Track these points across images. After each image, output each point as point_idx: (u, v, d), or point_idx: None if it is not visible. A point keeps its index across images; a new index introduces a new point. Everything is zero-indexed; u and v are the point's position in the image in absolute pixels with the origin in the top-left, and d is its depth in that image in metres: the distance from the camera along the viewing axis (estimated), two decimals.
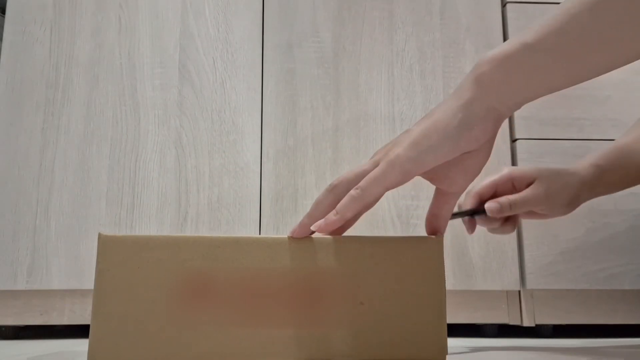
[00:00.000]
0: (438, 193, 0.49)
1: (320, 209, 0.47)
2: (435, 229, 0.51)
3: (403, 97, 0.97)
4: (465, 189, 0.48)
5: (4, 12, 1.01)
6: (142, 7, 0.97)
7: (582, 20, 0.38)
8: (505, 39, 0.99)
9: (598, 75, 0.41)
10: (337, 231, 0.48)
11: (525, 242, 0.92)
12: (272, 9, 0.99)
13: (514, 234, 0.93)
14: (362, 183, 0.44)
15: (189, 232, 0.90)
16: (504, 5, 1.01)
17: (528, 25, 1.01)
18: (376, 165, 0.45)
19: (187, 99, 0.95)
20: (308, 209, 0.92)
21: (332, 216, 0.45)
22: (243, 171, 0.93)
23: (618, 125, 0.95)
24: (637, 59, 0.39)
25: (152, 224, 0.91)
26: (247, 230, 0.91)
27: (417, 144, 0.42)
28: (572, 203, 0.63)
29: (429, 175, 0.46)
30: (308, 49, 0.98)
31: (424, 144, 0.42)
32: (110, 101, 0.94)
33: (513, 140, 0.96)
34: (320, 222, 0.46)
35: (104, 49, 0.96)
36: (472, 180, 0.46)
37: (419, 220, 0.92)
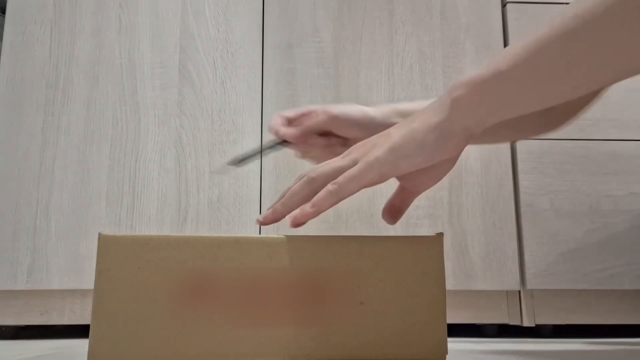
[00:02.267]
0: (402, 189, 0.52)
1: (296, 199, 0.48)
2: (393, 219, 0.53)
3: (403, 97, 0.97)
4: (428, 189, 0.50)
5: (4, 12, 1.01)
6: (142, 7, 0.97)
7: (552, 52, 0.40)
8: (505, 39, 0.99)
9: (569, 99, 0.43)
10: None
11: (526, 242, 0.92)
12: (272, 9, 0.99)
13: (514, 234, 0.93)
14: (340, 179, 0.46)
15: (189, 232, 0.90)
16: (504, 5, 1.01)
17: (528, 25, 1.01)
18: (353, 162, 0.47)
19: (187, 99, 0.95)
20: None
21: (308, 208, 0.47)
22: (243, 171, 0.93)
23: (618, 125, 0.95)
24: (605, 86, 0.42)
25: (152, 224, 0.91)
26: (247, 230, 0.91)
27: (395, 150, 0.45)
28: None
29: (398, 176, 0.49)
30: (308, 49, 0.98)
31: (401, 151, 0.45)
32: (111, 101, 0.94)
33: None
34: (296, 212, 0.47)
35: (104, 49, 0.96)
36: (436, 183, 0.49)
37: (419, 220, 0.92)
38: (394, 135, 0.46)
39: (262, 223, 0.49)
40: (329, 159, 0.52)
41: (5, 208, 0.89)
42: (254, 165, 0.93)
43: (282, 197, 0.49)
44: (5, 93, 0.93)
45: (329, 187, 0.46)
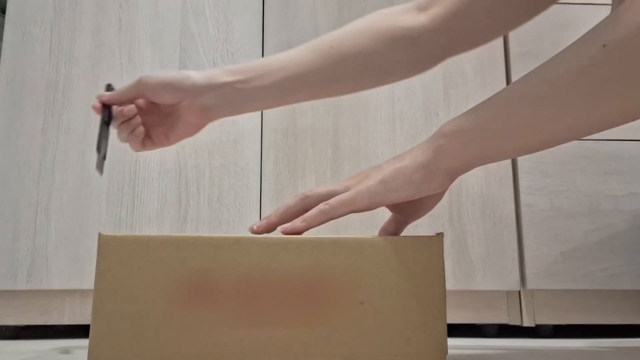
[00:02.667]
0: (394, 218, 0.57)
1: (289, 213, 0.53)
2: None
3: (403, 97, 0.97)
4: (417, 219, 0.56)
5: (4, 12, 1.01)
6: (142, 7, 0.97)
7: (523, 113, 0.46)
8: (505, 39, 0.99)
9: (545, 149, 0.49)
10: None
11: (526, 242, 0.92)
12: (272, 9, 0.99)
13: (514, 234, 0.93)
14: (332, 201, 0.51)
15: (189, 232, 0.90)
16: None
17: (528, 25, 1.02)
18: (346, 189, 0.52)
19: None
20: None
21: (298, 222, 0.51)
22: (243, 171, 0.93)
23: None
24: (578, 138, 0.48)
25: (152, 224, 0.91)
26: (247, 230, 0.91)
27: (386, 182, 0.50)
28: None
29: (390, 206, 0.54)
30: None
31: (390, 185, 0.50)
32: None
33: None
34: (287, 225, 0.51)
35: (104, 49, 0.96)
36: (425, 214, 0.55)
37: (419, 221, 0.92)
38: (385, 169, 0.51)
39: (256, 232, 0.53)
40: (156, 142, 0.61)
41: (5, 208, 0.89)
42: (254, 165, 0.93)
43: (277, 209, 0.54)
44: (5, 93, 0.93)
45: (321, 206, 0.51)
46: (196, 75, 0.60)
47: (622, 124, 0.45)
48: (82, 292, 0.89)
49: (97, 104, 0.61)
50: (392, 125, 0.96)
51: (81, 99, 0.94)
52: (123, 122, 0.61)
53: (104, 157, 0.61)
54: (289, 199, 0.53)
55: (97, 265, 0.46)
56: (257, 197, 0.93)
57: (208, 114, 0.61)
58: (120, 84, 0.94)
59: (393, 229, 0.56)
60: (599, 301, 0.93)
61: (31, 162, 0.91)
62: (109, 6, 0.97)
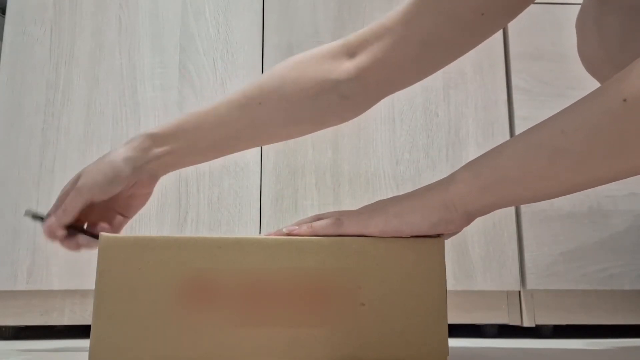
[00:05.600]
0: None
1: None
2: None
3: (403, 97, 0.97)
4: None
5: (4, 12, 1.01)
6: (142, 7, 0.97)
7: (541, 163, 0.46)
8: (505, 39, 0.99)
9: (559, 197, 0.49)
10: None
11: (526, 243, 0.92)
12: (272, 9, 0.99)
13: (514, 234, 0.93)
14: (345, 218, 0.51)
15: (189, 232, 0.90)
16: None
17: (528, 25, 1.01)
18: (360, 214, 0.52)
19: (188, 100, 0.95)
20: (308, 210, 0.93)
21: (306, 228, 0.51)
22: (243, 171, 0.93)
23: None
24: (599, 185, 0.47)
25: (152, 224, 0.91)
26: (247, 230, 0.91)
27: (402, 215, 0.50)
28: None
29: None
30: (308, 50, 0.97)
31: (406, 219, 0.50)
32: (111, 102, 0.94)
33: None
34: (293, 227, 0.51)
35: (104, 49, 0.96)
36: None
37: None
38: (403, 203, 0.51)
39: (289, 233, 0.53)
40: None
41: (5, 208, 0.89)
42: (254, 165, 0.93)
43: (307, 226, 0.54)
44: (5, 93, 0.93)
45: (334, 220, 0.51)
46: (124, 163, 0.60)
47: None
48: (82, 293, 0.89)
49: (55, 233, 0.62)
50: (392, 125, 0.96)
51: (81, 99, 0.94)
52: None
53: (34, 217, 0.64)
54: (303, 219, 0.54)
55: (97, 266, 0.46)
56: (257, 197, 0.93)
57: (154, 181, 0.64)
58: (120, 84, 0.94)
59: None
60: (599, 301, 0.93)
61: (31, 162, 0.91)
62: (109, 6, 0.97)
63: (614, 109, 0.41)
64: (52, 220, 0.60)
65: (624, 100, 0.41)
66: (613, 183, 0.95)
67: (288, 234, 0.50)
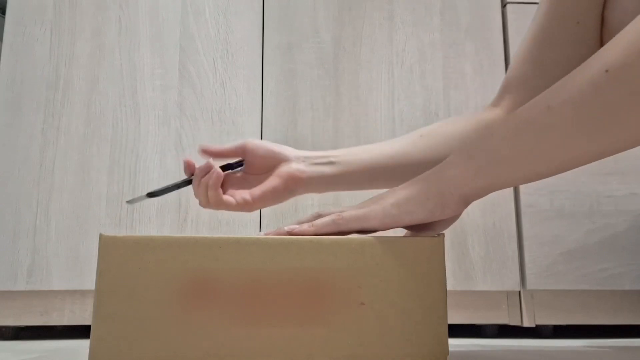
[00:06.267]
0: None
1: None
2: None
3: (403, 97, 0.97)
4: None
5: (4, 12, 1.01)
6: (142, 7, 0.97)
7: (529, 140, 0.46)
8: (505, 39, 0.99)
9: (552, 175, 0.49)
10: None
11: (526, 243, 0.92)
12: (272, 9, 0.99)
13: (514, 234, 0.93)
14: (346, 215, 0.51)
15: (189, 232, 0.90)
16: (504, 6, 1.01)
17: (527, 25, 1.02)
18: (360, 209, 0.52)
19: (187, 100, 0.95)
20: (308, 210, 0.93)
21: (307, 227, 0.51)
22: None
23: None
24: (590, 163, 0.47)
25: (152, 224, 0.91)
26: (247, 230, 0.91)
27: (400, 205, 0.50)
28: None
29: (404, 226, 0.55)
30: (308, 50, 0.98)
31: (404, 208, 0.50)
32: (111, 102, 0.94)
33: None
34: (294, 226, 0.51)
35: (104, 50, 0.96)
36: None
37: None
38: (399, 192, 0.52)
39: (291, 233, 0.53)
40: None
41: (6, 209, 0.89)
42: None
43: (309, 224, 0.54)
44: (5, 93, 0.93)
45: (334, 217, 0.51)
46: (292, 151, 0.63)
47: (632, 147, 0.45)
48: (82, 293, 0.89)
49: (190, 160, 0.63)
50: (392, 125, 0.96)
51: (81, 99, 0.94)
52: (204, 177, 0.62)
53: (151, 196, 0.62)
54: (303, 217, 0.54)
55: (97, 266, 0.46)
56: None
57: (294, 183, 0.62)
58: (120, 84, 0.94)
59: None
60: (599, 301, 0.93)
61: (31, 162, 0.91)
62: (109, 6, 0.97)
63: (597, 80, 0.41)
64: (213, 147, 0.62)
65: (606, 70, 0.41)
66: (613, 183, 0.95)
67: (289, 233, 0.50)
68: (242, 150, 0.62)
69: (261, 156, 0.62)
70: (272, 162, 0.62)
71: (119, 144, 0.93)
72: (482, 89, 0.98)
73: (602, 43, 0.62)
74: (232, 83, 0.96)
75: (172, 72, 0.96)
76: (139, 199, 0.62)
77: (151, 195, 0.62)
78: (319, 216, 0.53)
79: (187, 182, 0.63)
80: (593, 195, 0.93)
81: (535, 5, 0.99)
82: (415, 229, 0.54)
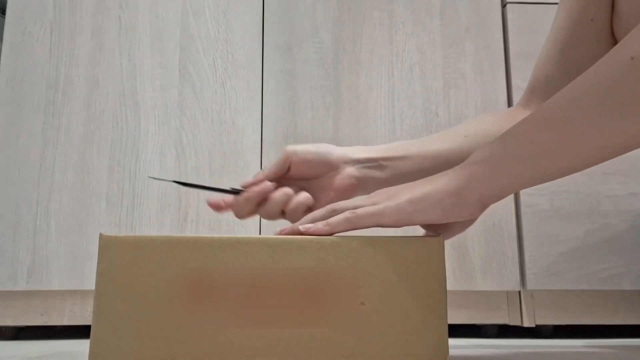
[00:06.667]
0: (426, 234, 0.56)
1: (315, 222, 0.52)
2: None
3: (403, 97, 0.97)
4: (446, 240, 0.55)
5: (4, 12, 1.01)
6: (142, 7, 0.97)
7: (552, 135, 0.45)
8: (505, 39, 0.99)
9: (575, 172, 0.48)
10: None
11: (526, 243, 0.92)
12: (272, 9, 0.99)
13: (514, 234, 0.93)
14: (359, 211, 0.50)
15: (189, 232, 0.90)
16: (504, 6, 1.01)
17: (528, 25, 1.01)
18: (373, 204, 0.51)
19: (187, 100, 0.95)
20: None
21: (321, 226, 0.49)
22: (243, 171, 0.93)
23: None
24: (614, 157, 0.46)
25: (152, 224, 0.91)
26: (247, 230, 0.91)
27: (414, 203, 0.49)
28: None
29: (423, 225, 0.54)
30: (308, 50, 0.98)
31: (419, 205, 0.49)
32: (111, 102, 0.94)
33: None
34: (310, 225, 0.50)
35: (104, 50, 0.96)
36: (453, 236, 0.55)
37: None
38: (416, 189, 0.50)
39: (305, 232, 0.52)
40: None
41: (6, 209, 0.89)
42: (254, 165, 0.93)
43: (303, 219, 0.52)
44: (6, 93, 0.93)
45: (348, 214, 0.50)
46: (338, 152, 0.61)
47: None
48: (82, 293, 0.89)
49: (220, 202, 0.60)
50: (392, 125, 0.96)
51: (81, 99, 0.94)
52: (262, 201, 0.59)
53: (178, 183, 0.60)
54: (317, 211, 0.52)
55: (97, 266, 0.46)
56: None
57: (349, 194, 0.61)
58: (120, 84, 0.94)
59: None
60: (599, 301, 0.93)
61: (31, 162, 0.91)
62: (109, 6, 0.97)
63: (622, 68, 0.41)
64: (261, 174, 0.59)
65: (632, 58, 0.40)
66: (613, 183, 0.95)
67: (304, 233, 0.49)
68: (288, 164, 0.60)
69: (307, 165, 0.60)
70: (321, 169, 0.60)
71: (119, 144, 0.93)
72: (482, 89, 0.98)
73: (614, 37, 0.62)
74: (232, 83, 0.96)
75: (172, 72, 0.96)
76: (163, 179, 0.60)
77: (179, 183, 0.61)
78: (333, 211, 0.51)
79: (231, 192, 0.60)
80: (593, 195, 0.93)
81: (535, 5, 1.00)
82: (431, 228, 0.53)
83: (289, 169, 0.60)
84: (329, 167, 0.60)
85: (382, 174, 0.61)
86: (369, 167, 0.61)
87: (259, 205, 0.58)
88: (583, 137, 0.44)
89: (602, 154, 0.45)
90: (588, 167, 0.46)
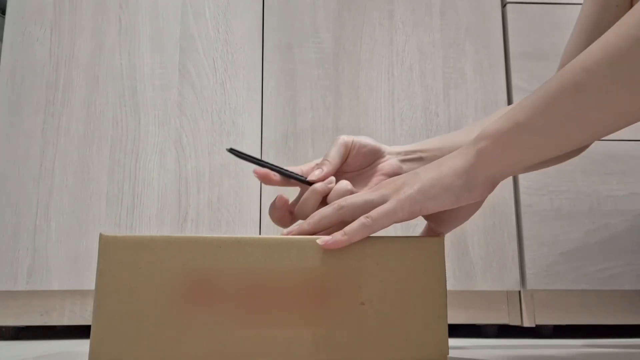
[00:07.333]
0: (429, 229, 0.55)
1: (324, 223, 0.50)
2: None
3: (403, 97, 0.97)
4: (451, 230, 0.54)
5: (4, 12, 1.01)
6: (142, 7, 0.97)
7: (564, 103, 0.44)
8: (505, 39, 0.99)
9: (586, 144, 0.47)
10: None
11: (526, 243, 0.92)
12: (272, 9, 0.99)
13: (514, 234, 0.93)
14: (373, 214, 0.48)
15: (189, 232, 0.90)
16: (504, 6, 1.01)
17: (528, 25, 1.01)
18: (382, 197, 0.49)
19: (187, 100, 0.95)
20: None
21: (339, 236, 0.48)
22: (243, 171, 0.93)
23: None
24: (626, 126, 0.45)
25: (152, 224, 0.91)
26: (247, 230, 0.91)
27: (425, 191, 0.48)
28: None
29: (426, 215, 0.53)
30: (308, 50, 0.98)
31: (430, 193, 0.48)
32: (111, 102, 0.94)
33: None
34: (328, 238, 0.48)
35: (104, 50, 0.96)
36: (461, 224, 0.54)
37: (419, 221, 0.92)
38: (423, 176, 0.49)
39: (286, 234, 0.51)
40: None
41: (6, 208, 0.89)
42: (254, 166, 0.93)
43: (311, 217, 0.51)
44: (5, 93, 0.93)
45: (363, 219, 0.48)
46: (384, 145, 0.62)
47: None
48: (82, 293, 0.89)
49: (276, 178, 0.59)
50: (392, 125, 0.96)
51: (81, 99, 0.94)
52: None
53: (248, 159, 0.59)
54: (324, 208, 0.51)
55: (97, 266, 0.46)
56: (257, 197, 0.93)
57: (397, 172, 0.60)
58: (120, 84, 0.94)
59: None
60: (599, 301, 0.93)
61: (31, 163, 0.91)
62: (109, 6, 0.97)
63: (635, 33, 0.40)
64: (326, 168, 0.58)
65: None
66: (613, 183, 0.95)
67: (323, 246, 0.47)
68: (347, 153, 0.60)
69: (364, 154, 0.60)
70: (372, 157, 0.61)
71: (119, 144, 0.93)
72: (482, 88, 0.98)
73: None
74: (232, 83, 0.96)
75: (172, 72, 0.96)
76: (241, 154, 0.58)
77: (254, 161, 0.59)
78: (341, 208, 0.50)
79: (303, 181, 0.59)
80: (593, 195, 0.93)
81: (535, 5, 1.00)
82: (438, 219, 0.52)
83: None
84: (379, 155, 0.61)
85: (421, 165, 0.61)
86: (409, 159, 0.61)
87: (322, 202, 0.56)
88: (595, 105, 0.43)
89: (617, 121, 0.44)
90: (601, 136, 0.46)
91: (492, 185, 0.49)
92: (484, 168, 0.48)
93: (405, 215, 0.48)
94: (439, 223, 0.53)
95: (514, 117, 0.47)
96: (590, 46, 0.44)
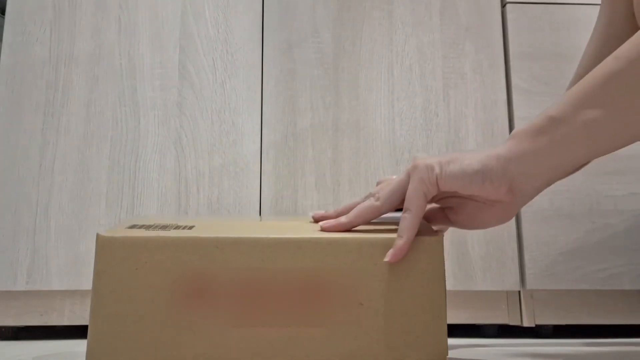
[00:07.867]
0: (440, 213, 0.56)
1: (361, 220, 0.51)
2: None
3: (403, 97, 0.97)
4: (468, 229, 0.56)
5: (4, 12, 1.01)
6: (142, 7, 0.97)
7: (596, 93, 0.44)
8: (505, 39, 0.99)
9: (618, 149, 0.46)
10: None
11: (525, 243, 0.91)
12: (272, 9, 0.99)
13: (514, 234, 0.93)
14: (381, 192, 0.50)
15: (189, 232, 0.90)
16: (503, 6, 1.01)
17: (528, 25, 1.01)
18: (407, 176, 0.50)
19: (187, 100, 0.95)
20: (307, 210, 0.93)
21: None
22: (243, 172, 0.93)
23: None
24: None
25: None
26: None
27: (442, 165, 0.48)
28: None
29: (454, 220, 0.54)
30: (308, 49, 0.98)
31: (447, 167, 0.48)
32: (110, 102, 0.94)
33: None
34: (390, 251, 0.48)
35: (104, 50, 0.96)
36: (481, 228, 0.56)
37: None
38: (446, 155, 0.50)
39: (323, 229, 0.50)
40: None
41: (5, 209, 0.89)
42: (254, 166, 0.93)
43: (345, 208, 0.52)
44: (5, 93, 0.93)
45: (372, 199, 0.50)
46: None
47: None
48: (82, 293, 0.89)
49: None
50: (392, 125, 0.96)
51: (81, 99, 0.94)
52: None
53: None
54: (361, 201, 0.51)
55: (95, 267, 0.45)
56: (257, 197, 0.93)
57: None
58: (120, 84, 0.94)
59: (436, 220, 0.55)
60: (599, 301, 0.93)
61: (31, 162, 0.91)
62: (108, 6, 0.97)
63: None
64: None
65: None
66: (613, 183, 0.95)
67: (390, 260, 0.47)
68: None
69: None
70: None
71: (119, 144, 0.93)
72: (482, 88, 0.98)
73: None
74: (232, 83, 0.96)
75: (172, 72, 0.96)
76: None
77: None
78: (377, 199, 0.50)
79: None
80: (593, 195, 0.93)
81: (535, 5, 1.00)
82: (462, 224, 0.53)
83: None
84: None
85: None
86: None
87: None
88: (627, 92, 0.43)
89: None
90: (633, 123, 0.44)
91: (508, 184, 0.48)
92: (504, 163, 0.47)
93: (416, 184, 0.48)
94: (459, 212, 0.53)
95: (547, 117, 0.47)
96: (624, 44, 0.44)
